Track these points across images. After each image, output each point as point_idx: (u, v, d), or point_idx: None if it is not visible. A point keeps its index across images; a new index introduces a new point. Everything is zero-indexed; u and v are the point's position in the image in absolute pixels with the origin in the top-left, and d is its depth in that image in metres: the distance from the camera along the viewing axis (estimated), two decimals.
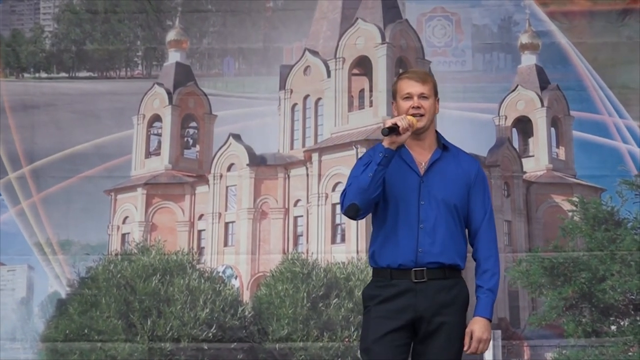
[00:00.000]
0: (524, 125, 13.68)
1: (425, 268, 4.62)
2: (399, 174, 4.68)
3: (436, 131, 4.83)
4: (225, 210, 13.25)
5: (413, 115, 4.63)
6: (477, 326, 4.67)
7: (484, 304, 4.73)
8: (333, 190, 12.75)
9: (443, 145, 4.79)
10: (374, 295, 4.70)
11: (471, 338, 4.67)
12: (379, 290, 4.68)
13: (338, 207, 4.72)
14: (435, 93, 4.76)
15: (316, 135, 13.50)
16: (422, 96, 4.68)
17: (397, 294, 4.63)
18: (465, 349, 4.68)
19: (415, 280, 4.61)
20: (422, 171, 4.69)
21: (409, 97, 4.69)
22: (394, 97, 4.77)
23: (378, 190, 4.56)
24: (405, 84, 4.71)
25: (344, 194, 4.65)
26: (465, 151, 4.98)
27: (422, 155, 4.73)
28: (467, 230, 4.82)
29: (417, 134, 4.69)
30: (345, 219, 12.58)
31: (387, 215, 4.68)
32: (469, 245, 4.84)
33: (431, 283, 4.62)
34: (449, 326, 4.65)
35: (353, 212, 4.61)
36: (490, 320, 4.74)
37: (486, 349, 4.72)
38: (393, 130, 4.50)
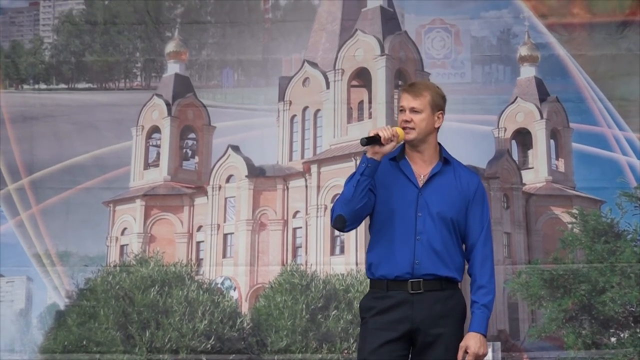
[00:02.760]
0: (523, 137, 13.68)
1: (421, 279, 4.63)
2: (398, 185, 4.70)
3: (439, 144, 4.83)
4: (224, 221, 13.23)
5: (403, 128, 4.67)
6: (472, 341, 4.66)
7: (479, 319, 4.70)
8: (332, 201, 12.73)
9: (444, 159, 4.78)
10: (371, 307, 4.71)
11: (466, 352, 4.66)
12: (376, 302, 4.69)
13: None
14: (434, 106, 4.74)
15: (315, 146, 13.49)
16: (413, 110, 4.69)
17: (393, 305, 4.64)
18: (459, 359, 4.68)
19: (412, 292, 4.63)
20: (420, 184, 4.70)
21: (402, 109, 4.73)
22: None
23: (363, 201, 4.58)
24: (401, 97, 4.76)
25: (333, 206, 4.69)
26: (465, 165, 4.98)
27: (422, 168, 4.74)
28: (464, 245, 4.82)
29: (414, 146, 4.73)
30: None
31: (384, 227, 4.70)
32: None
33: (428, 294, 4.63)
34: (447, 337, 4.65)
35: (340, 224, 4.65)
36: (485, 336, 4.71)
37: None
38: (373, 140, 4.51)
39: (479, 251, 4.77)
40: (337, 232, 12.78)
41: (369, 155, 4.55)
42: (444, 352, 4.65)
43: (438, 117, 4.77)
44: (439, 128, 4.80)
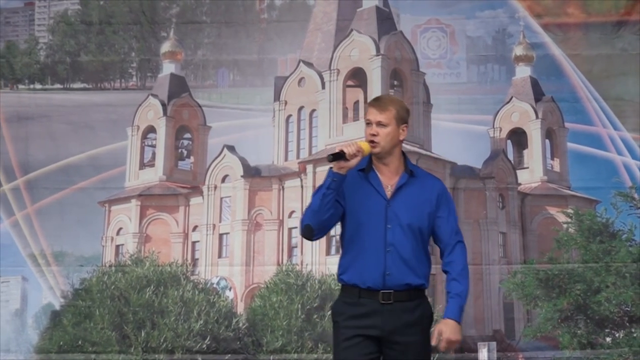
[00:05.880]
0: (518, 137, 13.70)
1: (392, 290, 4.78)
2: (366, 197, 4.85)
3: (404, 155, 4.97)
4: (220, 221, 13.23)
5: (370, 141, 4.81)
6: (446, 327, 4.79)
7: (453, 307, 4.84)
8: None
9: (410, 171, 4.91)
10: (342, 312, 4.90)
11: (440, 336, 4.78)
12: (347, 307, 4.87)
13: None
14: (399, 120, 4.89)
15: (310, 146, 13.50)
16: (379, 124, 4.83)
17: (364, 313, 4.81)
18: (433, 343, 4.80)
19: (382, 302, 4.79)
20: (388, 195, 4.85)
21: (368, 123, 4.87)
22: None
23: (329, 213, 4.78)
24: (367, 111, 4.90)
25: (302, 216, 4.89)
26: (430, 173, 5.13)
27: (389, 179, 4.88)
28: (437, 248, 4.98)
29: (380, 158, 4.87)
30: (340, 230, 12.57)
31: (355, 238, 4.87)
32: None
33: (397, 304, 4.79)
34: (416, 345, 4.81)
35: (308, 233, 4.87)
36: (459, 323, 4.84)
37: (453, 349, 4.86)
38: (340, 156, 4.67)
39: (451, 250, 4.92)
40: (332, 232, 12.75)
41: (334, 170, 4.72)
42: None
43: (403, 130, 4.91)
44: (403, 140, 4.94)
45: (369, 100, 5.01)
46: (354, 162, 4.71)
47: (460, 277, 4.87)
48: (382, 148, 4.82)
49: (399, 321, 4.77)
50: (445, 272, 4.91)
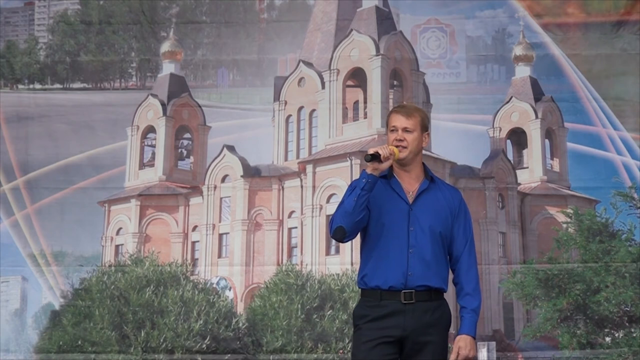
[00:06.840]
0: (518, 137, 13.70)
1: (413, 290, 4.87)
2: (390, 202, 4.95)
3: (423, 163, 5.09)
4: (219, 221, 13.24)
5: (396, 146, 4.91)
6: (463, 344, 4.94)
7: (468, 323, 4.98)
8: (327, 201, 12.75)
9: (430, 177, 5.04)
10: (364, 315, 4.94)
11: (457, 354, 4.94)
12: (369, 310, 4.93)
13: None
14: (423, 127, 5.03)
15: (310, 146, 13.51)
16: (405, 130, 4.95)
17: (387, 314, 4.88)
18: (452, 359, 4.93)
19: (404, 302, 4.87)
20: (410, 200, 4.96)
21: (394, 129, 4.97)
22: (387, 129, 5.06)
23: (362, 214, 4.84)
24: (392, 118, 5.01)
25: (332, 218, 4.92)
26: (447, 183, 5.30)
27: (410, 185, 5.00)
28: (448, 256, 5.08)
29: (403, 164, 4.98)
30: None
31: (377, 240, 4.94)
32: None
33: (418, 305, 4.88)
34: (434, 345, 4.90)
35: (340, 235, 4.88)
36: (474, 339, 4.99)
37: None
38: (375, 157, 4.77)
39: (465, 261, 5.04)
40: None
41: (368, 171, 4.80)
42: (431, 359, 4.89)
43: (425, 138, 5.05)
44: (424, 148, 5.07)
45: (394, 108, 5.08)
46: (386, 164, 4.83)
47: (475, 293, 5.01)
48: (410, 153, 4.94)
49: (420, 321, 4.87)
50: (456, 284, 5.04)
